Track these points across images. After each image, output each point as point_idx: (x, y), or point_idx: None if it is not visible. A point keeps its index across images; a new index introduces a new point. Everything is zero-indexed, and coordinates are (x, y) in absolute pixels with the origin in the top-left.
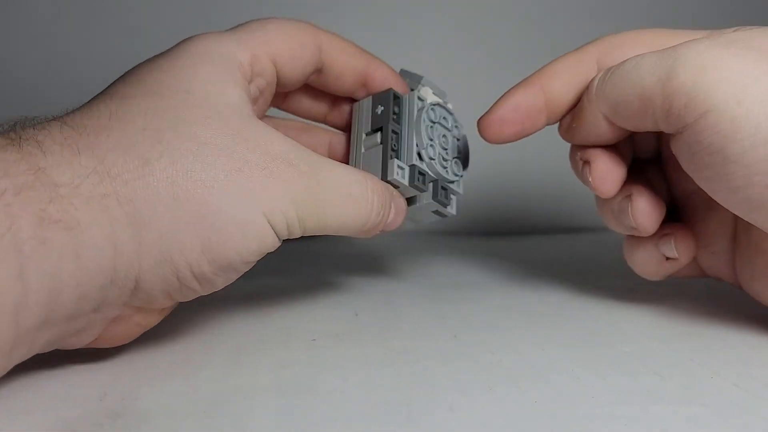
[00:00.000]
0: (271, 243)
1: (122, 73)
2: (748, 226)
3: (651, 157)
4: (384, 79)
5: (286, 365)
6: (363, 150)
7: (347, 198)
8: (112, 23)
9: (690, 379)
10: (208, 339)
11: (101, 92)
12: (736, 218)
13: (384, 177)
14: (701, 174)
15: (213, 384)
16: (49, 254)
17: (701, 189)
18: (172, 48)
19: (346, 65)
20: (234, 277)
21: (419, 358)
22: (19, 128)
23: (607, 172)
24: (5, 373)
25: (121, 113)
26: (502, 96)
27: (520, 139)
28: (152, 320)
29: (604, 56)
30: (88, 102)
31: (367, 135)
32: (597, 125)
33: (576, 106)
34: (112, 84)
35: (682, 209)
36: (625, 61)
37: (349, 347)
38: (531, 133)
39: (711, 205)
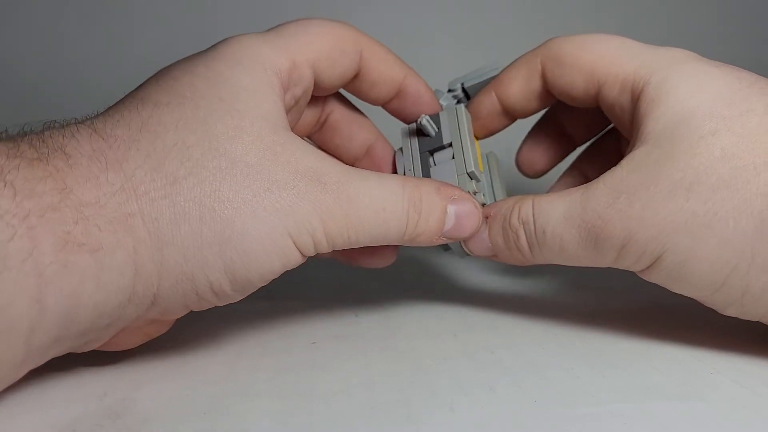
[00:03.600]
0: (295, 261)
1: (119, 72)
2: None
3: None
4: (417, 93)
5: (287, 367)
6: (434, 164)
7: (380, 213)
8: (113, 23)
9: (689, 375)
10: (208, 341)
11: (133, 93)
12: None
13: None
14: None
15: (213, 386)
16: (70, 278)
17: None
18: (208, 50)
19: (383, 75)
20: (251, 291)
21: (419, 358)
22: (48, 136)
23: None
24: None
25: (152, 125)
26: (468, 106)
27: (489, 136)
28: (162, 329)
29: (545, 60)
30: (119, 105)
31: (433, 152)
32: None
33: (535, 103)
34: (144, 85)
35: None
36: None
37: (349, 348)
38: (499, 131)
39: None
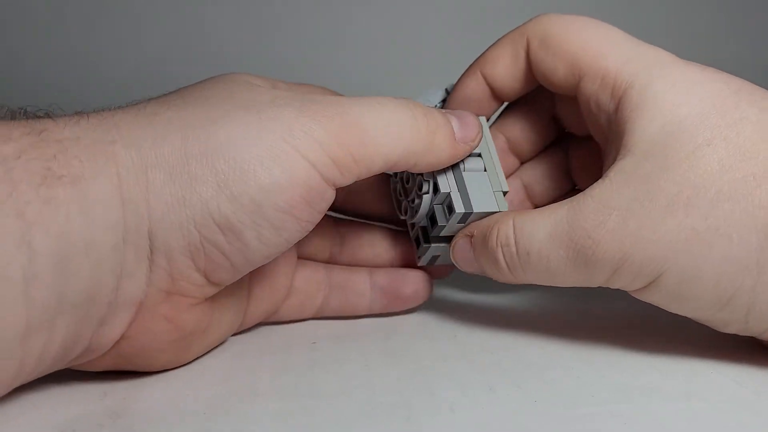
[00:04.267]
0: (304, 173)
1: (119, 73)
2: None
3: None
4: None
5: (287, 367)
6: (464, 169)
7: (391, 121)
8: (113, 23)
9: (690, 376)
10: None
11: None
12: None
13: (500, 208)
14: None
15: (213, 386)
16: (54, 214)
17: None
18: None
19: None
20: (271, 235)
21: (419, 358)
22: (33, 114)
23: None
24: (28, 377)
25: (136, 103)
26: (454, 88)
27: None
28: (183, 316)
29: (531, 39)
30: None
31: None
32: None
33: (522, 84)
34: None
35: None
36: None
37: (349, 348)
38: (487, 116)
39: None
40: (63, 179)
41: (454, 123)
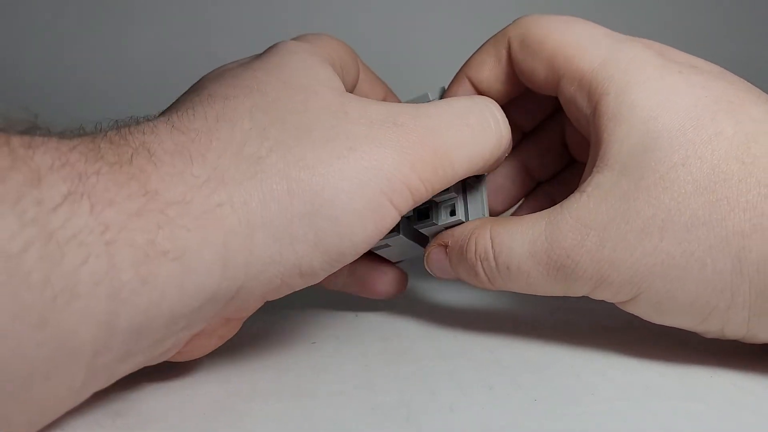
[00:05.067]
0: (391, 221)
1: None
2: None
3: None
4: None
5: (287, 367)
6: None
7: (465, 129)
8: (113, 23)
9: (689, 377)
10: None
11: (195, 90)
12: None
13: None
14: None
15: (213, 386)
16: (150, 293)
17: None
18: (259, 54)
19: (370, 93)
20: (338, 268)
21: (419, 358)
22: (128, 133)
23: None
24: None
25: (227, 115)
26: (446, 93)
27: None
28: (234, 329)
29: (513, 40)
30: (185, 101)
31: None
32: None
33: (508, 86)
34: (203, 83)
35: None
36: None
37: (349, 348)
38: None
39: None
40: (167, 255)
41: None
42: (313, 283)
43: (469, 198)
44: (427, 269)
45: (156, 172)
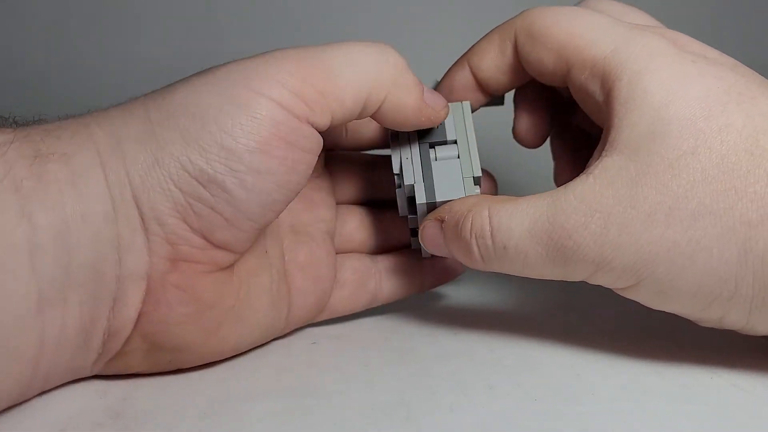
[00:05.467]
0: (279, 115)
1: (122, 74)
2: None
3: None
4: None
5: (287, 367)
6: (435, 159)
7: (355, 58)
8: (113, 23)
9: (689, 378)
10: None
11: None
12: None
13: (467, 194)
14: None
15: (213, 386)
16: (48, 188)
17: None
18: None
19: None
20: (255, 179)
21: (419, 357)
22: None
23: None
24: (53, 363)
25: (123, 106)
26: (442, 79)
27: None
28: (196, 284)
29: (519, 32)
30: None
31: (436, 145)
32: None
33: (509, 77)
34: None
35: None
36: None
37: (349, 348)
38: (476, 109)
39: None
40: (51, 156)
41: (425, 87)
42: (235, 202)
43: (437, 177)
44: (421, 243)
45: (39, 123)
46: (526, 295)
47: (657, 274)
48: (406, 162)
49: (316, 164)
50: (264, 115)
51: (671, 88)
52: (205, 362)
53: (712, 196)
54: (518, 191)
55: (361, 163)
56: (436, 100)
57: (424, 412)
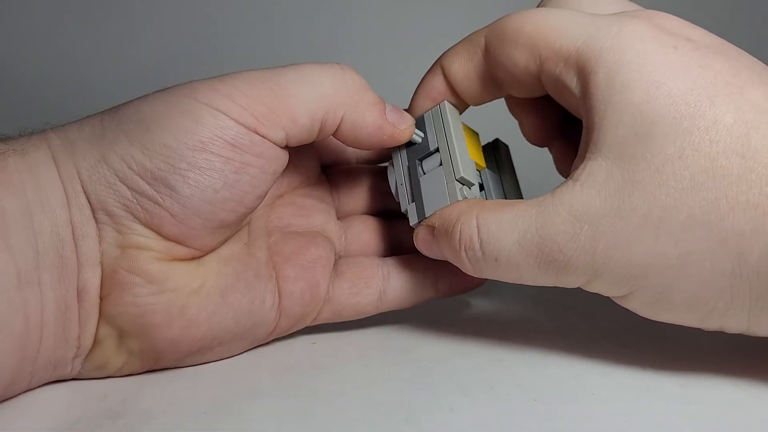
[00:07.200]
0: (221, 119)
1: (121, 76)
2: None
3: None
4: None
5: (287, 367)
6: (423, 173)
7: (310, 81)
8: (113, 23)
9: (690, 378)
10: None
11: None
12: None
13: (452, 200)
14: None
15: (214, 386)
16: (10, 177)
17: None
18: None
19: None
20: (199, 176)
21: (419, 358)
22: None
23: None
24: (37, 348)
25: (86, 119)
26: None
27: None
28: (149, 268)
29: (489, 36)
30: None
31: (423, 159)
32: None
33: (478, 85)
34: None
35: None
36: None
37: (349, 348)
38: (462, 111)
39: None
40: (10, 152)
41: (388, 105)
42: (180, 198)
43: (425, 193)
44: (417, 247)
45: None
46: (526, 296)
47: (649, 286)
48: (401, 187)
49: (310, 174)
50: (207, 120)
51: (652, 81)
52: (184, 352)
53: (702, 205)
54: (521, 190)
55: (370, 175)
56: (398, 118)
57: (424, 412)
